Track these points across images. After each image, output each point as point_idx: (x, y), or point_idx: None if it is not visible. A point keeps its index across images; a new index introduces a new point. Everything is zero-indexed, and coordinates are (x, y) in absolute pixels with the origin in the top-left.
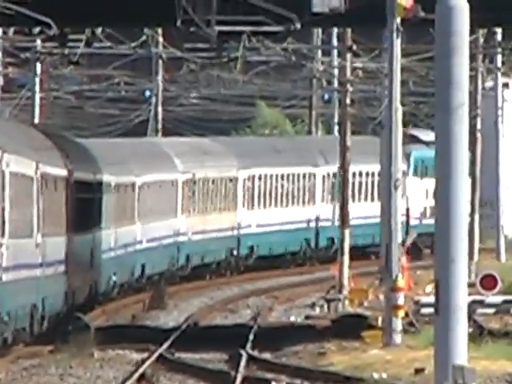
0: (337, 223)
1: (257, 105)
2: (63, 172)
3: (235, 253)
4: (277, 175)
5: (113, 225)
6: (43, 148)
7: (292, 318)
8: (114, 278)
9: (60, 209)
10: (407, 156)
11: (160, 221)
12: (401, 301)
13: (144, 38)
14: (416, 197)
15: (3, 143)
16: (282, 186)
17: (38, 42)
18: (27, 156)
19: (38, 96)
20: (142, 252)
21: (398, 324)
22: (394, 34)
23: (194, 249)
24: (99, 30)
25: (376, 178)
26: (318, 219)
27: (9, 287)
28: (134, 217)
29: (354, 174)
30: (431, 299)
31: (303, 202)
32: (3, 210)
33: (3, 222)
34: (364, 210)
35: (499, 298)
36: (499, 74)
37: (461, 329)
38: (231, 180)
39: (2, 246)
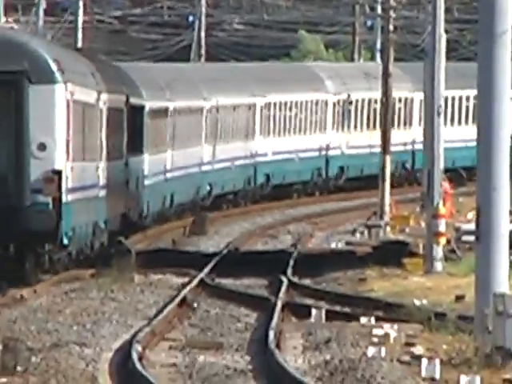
0: (346, 152)
1: (298, 33)
2: (122, 99)
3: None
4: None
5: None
6: (108, 77)
7: (333, 245)
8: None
9: (120, 134)
10: None
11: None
12: (442, 228)
13: None
14: None
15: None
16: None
17: None
18: (91, 87)
19: (80, 20)
20: (172, 180)
21: (439, 251)
22: None
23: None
24: None
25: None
26: (328, 148)
27: (74, 206)
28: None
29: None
30: (473, 226)
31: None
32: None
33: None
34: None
35: None
36: None
37: (502, 256)
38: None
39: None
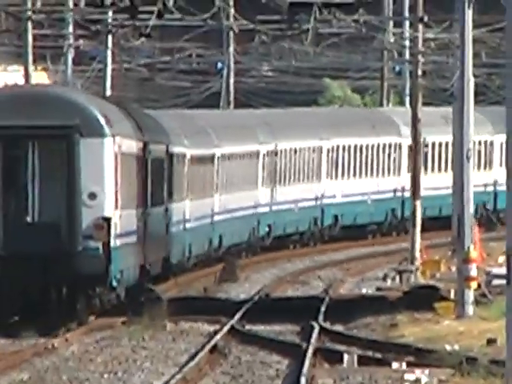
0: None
1: (323, 81)
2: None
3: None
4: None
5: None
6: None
7: (364, 290)
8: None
9: (162, 182)
10: None
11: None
12: (473, 272)
13: (215, 9)
14: None
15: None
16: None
17: (110, 14)
18: (136, 139)
19: (109, 68)
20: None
21: (471, 295)
22: (466, 5)
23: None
24: (170, 2)
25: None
26: (403, 189)
27: (122, 250)
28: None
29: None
30: (503, 270)
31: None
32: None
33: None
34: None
35: None
36: None
37: None
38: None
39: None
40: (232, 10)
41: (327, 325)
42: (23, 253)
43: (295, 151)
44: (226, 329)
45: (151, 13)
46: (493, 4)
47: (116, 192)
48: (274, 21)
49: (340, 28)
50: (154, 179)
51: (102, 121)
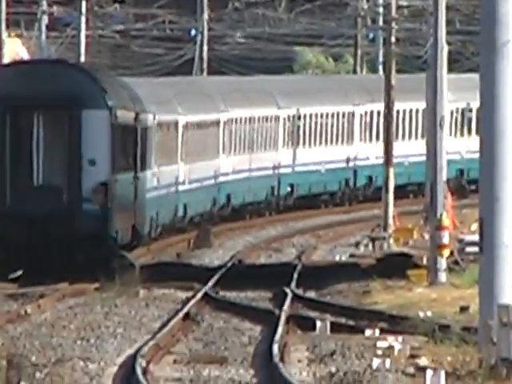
0: (375, 161)
1: (295, 49)
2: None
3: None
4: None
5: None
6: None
7: (337, 257)
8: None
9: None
10: None
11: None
12: (446, 240)
13: None
14: None
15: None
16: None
17: None
18: (130, 110)
19: (83, 34)
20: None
21: (443, 263)
22: None
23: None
24: None
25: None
26: (356, 158)
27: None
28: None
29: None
30: (476, 238)
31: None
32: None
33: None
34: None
35: None
36: None
37: (506, 267)
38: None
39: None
40: None
41: (300, 291)
42: (30, 213)
43: (248, 120)
44: (199, 295)
45: None
46: None
47: (113, 159)
48: None
49: None
50: (143, 147)
51: (102, 94)
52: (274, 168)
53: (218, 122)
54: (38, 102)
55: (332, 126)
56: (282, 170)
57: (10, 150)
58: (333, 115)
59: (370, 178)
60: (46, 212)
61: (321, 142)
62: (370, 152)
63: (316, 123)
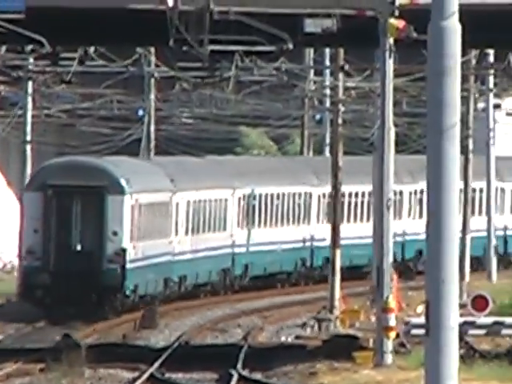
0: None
1: (240, 129)
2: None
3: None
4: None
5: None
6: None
7: (283, 338)
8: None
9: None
10: None
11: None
12: (392, 322)
13: (136, 56)
14: None
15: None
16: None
17: (31, 60)
18: (150, 192)
19: (30, 114)
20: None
21: (389, 345)
22: (387, 54)
23: None
24: (92, 49)
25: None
26: (312, 239)
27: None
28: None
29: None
30: (422, 320)
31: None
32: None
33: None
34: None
35: (490, 319)
36: (491, 96)
37: (452, 350)
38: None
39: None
40: (153, 57)
41: (246, 373)
42: (70, 270)
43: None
44: (144, 376)
45: (73, 59)
46: (414, 53)
47: (132, 230)
48: (195, 68)
49: (261, 76)
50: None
51: (123, 182)
52: (229, 247)
53: (170, 202)
54: (77, 189)
55: (288, 206)
56: (236, 250)
57: (57, 224)
58: (289, 195)
59: (327, 259)
60: (83, 270)
61: (277, 222)
62: (327, 233)
63: (272, 203)
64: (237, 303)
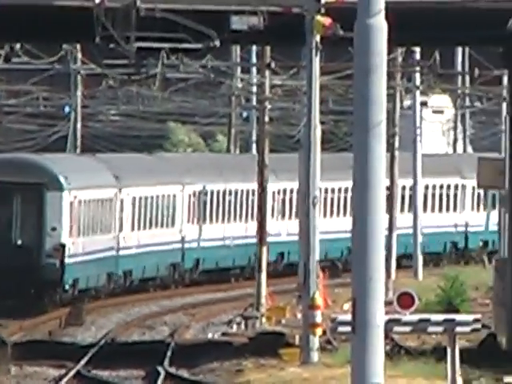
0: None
1: (168, 126)
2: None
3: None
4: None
5: None
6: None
7: (209, 335)
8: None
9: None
10: None
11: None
12: (318, 319)
13: (62, 53)
14: None
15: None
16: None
17: None
18: (87, 188)
19: None
20: None
21: (316, 342)
22: (313, 52)
23: None
24: (18, 46)
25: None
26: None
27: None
28: None
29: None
30: (348, 317)
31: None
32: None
33: None
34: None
35: (416, 317)
36: (417, 93)
37: (378, 347)
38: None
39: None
40: (79, 54)
41: (173, 370)
42: (11, 265)
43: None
44: (71, 374)
45: None
46: (340, 51)
47: (71, 226)
48: (122, 65)
49: (188, 73)
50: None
51: (62, 179)
52: (178, 242)
53: (115, 199)
54: (17, 186)
55: (241, 202)
56: (186, 245)
57: None
58: (242, 192)
59: (282, 254)
60: (22, 265)
61: (229, 218)
62: (281, 228)
63: (224, 200)
64: (166, 300)
